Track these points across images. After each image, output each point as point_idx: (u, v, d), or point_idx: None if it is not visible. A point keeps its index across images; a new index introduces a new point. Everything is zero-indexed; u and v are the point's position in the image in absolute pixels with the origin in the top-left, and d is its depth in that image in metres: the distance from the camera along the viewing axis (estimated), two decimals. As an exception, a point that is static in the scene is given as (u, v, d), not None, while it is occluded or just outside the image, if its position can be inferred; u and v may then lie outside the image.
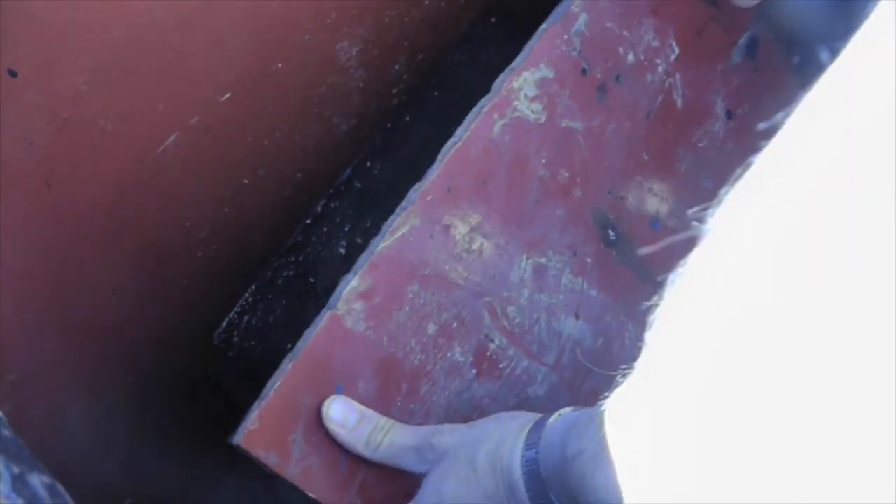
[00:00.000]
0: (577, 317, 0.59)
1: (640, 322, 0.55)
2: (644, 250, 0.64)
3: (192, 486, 0.83)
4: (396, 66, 0.86)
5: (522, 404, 0.58)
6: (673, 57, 0.66)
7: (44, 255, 0.56)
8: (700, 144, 0.66)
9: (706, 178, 0.66)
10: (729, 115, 0.68)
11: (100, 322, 0.65)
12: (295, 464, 0.52)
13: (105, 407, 0.71)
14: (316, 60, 0.72)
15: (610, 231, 0.62)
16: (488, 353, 0.56)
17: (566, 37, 0.61)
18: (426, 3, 0.83)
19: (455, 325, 0.55)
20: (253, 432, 0.51)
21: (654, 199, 0.64)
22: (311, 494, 0.53)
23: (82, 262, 0.59)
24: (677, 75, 0.66)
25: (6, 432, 0.33)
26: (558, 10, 0.61)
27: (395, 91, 0.87)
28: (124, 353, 0.70)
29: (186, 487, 0.82)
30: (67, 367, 0.64)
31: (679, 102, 0.66)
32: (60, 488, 0.33)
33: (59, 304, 0.61)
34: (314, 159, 0.78)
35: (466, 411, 0.56)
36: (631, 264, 0.62)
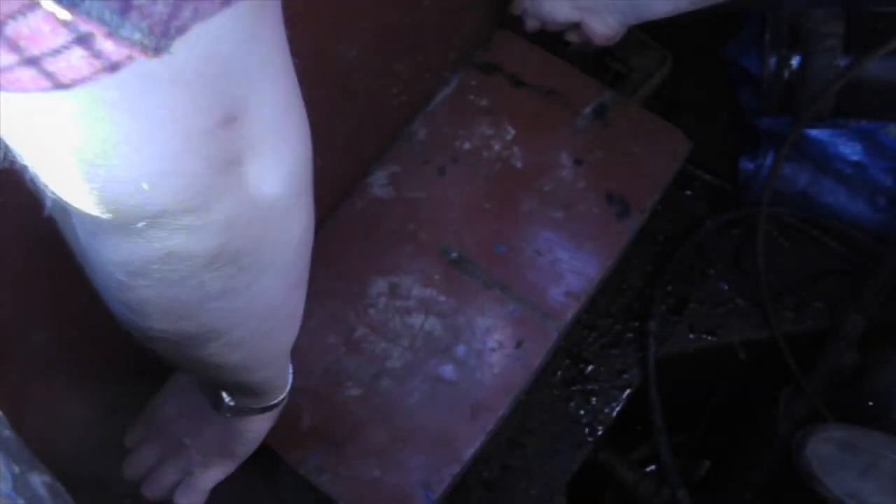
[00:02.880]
0: (426, 315, 0.83)
1: (487, 315, 0.83)
2: None
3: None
4: (396, 66, 0.86)
5: (381, 371, 0.81)
6: (509, 137, 0.91)
7: (44, 255, 0.56)
8: (545, 188, 0.88)
9: (554, 210, 0.88)
10: (577, 162, 0.89)
11: (101, 322, 0.65)
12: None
13: (105, 407, 0.71)
14: (316, 60, 0.72)
15: (454, 254, 0.85)
16: (353, 338, 0.82)
17: (409, 145, 0.91)
18: (426, 3, 0.83)
19: (328, 321, 0.83)
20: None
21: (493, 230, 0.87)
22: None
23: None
24: (515, 147, 0.90)
25: (7, 432, 0.33)
26: (404, 130, 0.91)
27: (395, 91, 0.87)
28: (125, 354, 0.70)
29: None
30: (67, 367, 0.64)
31: (519, 164, 0.90)
32: (60, 487, 0.33)
33: (59, 304, 0.61)
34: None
35: (336, 375, 0.81)
36: (476, 276, 0.84)
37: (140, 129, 0.30)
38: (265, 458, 0.86)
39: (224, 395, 0.61)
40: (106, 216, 0.34)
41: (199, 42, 0.29)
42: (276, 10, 0.34)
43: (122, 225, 0.35)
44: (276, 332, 0.52)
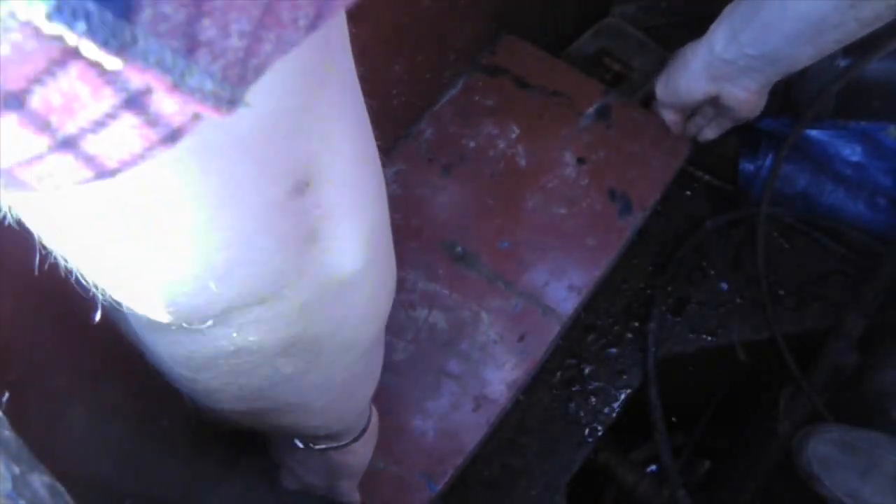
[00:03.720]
0: (430, 308, 0.83)
1: (490, 310, 0.84)
2: None
3: (192, 486, 0.83)
4: (396, 67, 0.86)
5: (386, 365, 0.76)
6: (514, 136, 0.92)
7: (44, 255, 0.56)
8: (549, 186, 0.89)
9: (557, 207, 0.88)
10: (580, 161, 0.90)
11: (101, 322, 0.65)
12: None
13: (105, 407, 0.71)
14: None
15: (458, 249, 0.86)
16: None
17: (416, 144, 0.92)
18: (425, 3, 0.83)
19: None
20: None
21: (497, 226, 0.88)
22: None
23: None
24: (519, 146, 0.92)
25: (6, 432, 0.33)
26: (411, 129, 0.92)
27: (395, 91, 0.87)
28: (124, 353, 0.70)
29: (186, 487, 0.82)
30: (67, 367, 0.64)
31: (523, 163, 0.91)
32: (60, 488, 0.33)
33: (60, 304, 0.61)
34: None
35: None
36: (480, 271, 0.85)
37: (199, 214, 0.24)
38: (265, 456, 0.86)
39: (298, 442, 0.57)
40: (164, 318, 0.28)
41: (267, 97, 0.22)
42: (344, 41, 0.27)
43: (182, 325, 0.29)
44: (359, 391, 0.48)
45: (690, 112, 0.90)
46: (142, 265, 0.26)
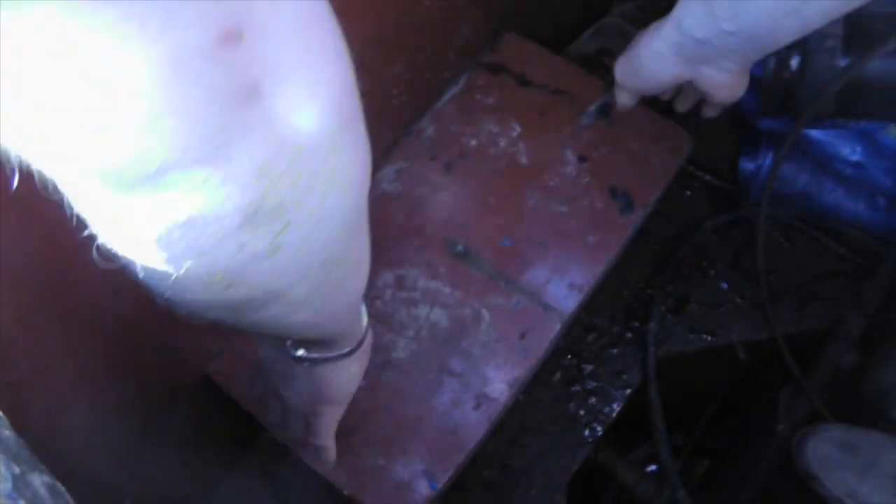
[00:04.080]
0: (431, 306, 0.83)
1: (492, 307, 0.83)
2: None
3: (193, 486, 0.83)
4: (396, 66, 0.86)
5: (387, 363, 0.81)
6: (515, 134, 0.92)
7: (44, 255, 0.56)
8: (550, 184, 0.90)
9: (558, 205, 0.89)
10: (582, 159, 0.91)
11: (100, 322, 0.65)
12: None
13: (105, 407, 0.71)
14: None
15: (459, 247, 0.86)
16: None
17: (417, 142, 0.92)
18: (426, 3, 0.83)
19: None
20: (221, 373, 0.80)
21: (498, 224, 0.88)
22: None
23: (83, 262, 0.59)
24: (520, 144, 0.92)
25: (7, 432, 0.33)
26: (412, 127, 0.93)
27: (395, 91, 0.87)
28: (124, 354, 0.70)
29: (186, 487, 0.82)
30: (67, 367, 0.64)
31: (524, 161, 0.91)
32: (61, 488, 0.33)
33: (60, 304, 0.61)
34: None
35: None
36: (481, 269, 0.85)
37: (102, 53, 0.22)
38: (265, 456, 0.86)
39: (292, 349, 0.55)
40: (94, 178, 0.27)
41: None
42: None
43: (121, 186, 0.28)
44: (345, 282, 0.44)
45: (651, 97, 0.84)
46: (55, 116, 0.24)
